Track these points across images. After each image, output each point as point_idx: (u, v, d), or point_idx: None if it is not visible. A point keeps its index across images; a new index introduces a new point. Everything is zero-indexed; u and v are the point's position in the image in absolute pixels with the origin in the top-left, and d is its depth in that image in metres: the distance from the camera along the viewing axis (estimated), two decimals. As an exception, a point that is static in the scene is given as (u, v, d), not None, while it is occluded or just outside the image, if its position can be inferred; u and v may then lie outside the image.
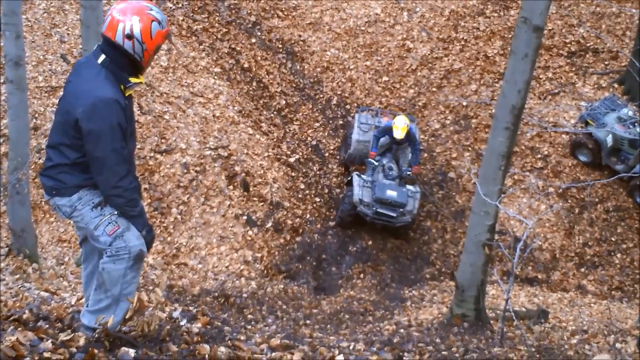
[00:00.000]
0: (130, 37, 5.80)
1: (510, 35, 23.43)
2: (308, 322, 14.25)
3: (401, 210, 19.11)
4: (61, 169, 5.79)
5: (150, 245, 6.19)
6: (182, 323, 6.99)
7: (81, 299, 8.22)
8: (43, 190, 5.97)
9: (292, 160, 21.21)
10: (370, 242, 19.78)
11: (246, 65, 23.52)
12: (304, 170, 21.29)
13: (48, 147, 5.88)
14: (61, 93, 19.00)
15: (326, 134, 22.82)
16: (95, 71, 5.80)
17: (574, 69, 23.54)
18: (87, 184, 5.82)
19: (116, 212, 5.86)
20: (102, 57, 5.84)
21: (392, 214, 19.04)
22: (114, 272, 5.78)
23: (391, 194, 19.06)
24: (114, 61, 5.84)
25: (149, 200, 18.00)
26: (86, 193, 5.83)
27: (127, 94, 5.91)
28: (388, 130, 19.68)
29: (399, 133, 19.34)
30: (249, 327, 11.96)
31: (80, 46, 15.06)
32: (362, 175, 19.66)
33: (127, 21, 5.79)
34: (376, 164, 19.76)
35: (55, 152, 5.81)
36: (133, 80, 5.96)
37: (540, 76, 23.23)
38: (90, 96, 5.63)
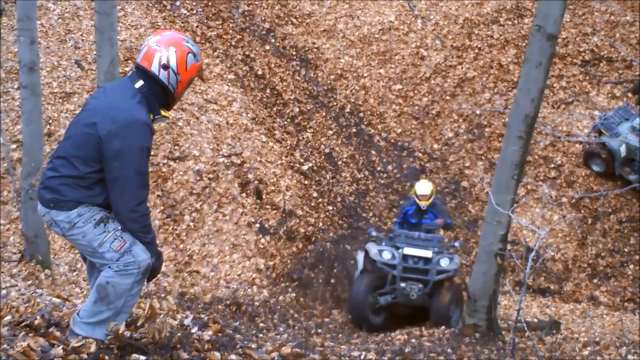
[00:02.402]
0: (166, 67, 5.87)
1: (524, 44, 23.40)
2: (320, 331, 14.26)
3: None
4: (64, 180, 5.69)
5: (159, 271, 6.17)
6: (193, 330, 6.98)
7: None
8: (39, 203, 5.85)
9: (305, 168, 21.19)
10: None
11: (260, 72, 23.54)
12: (317, 178, 21.28)
13: (57, 158, 5.80)
14: (75, 99, 19.04)
15: (339, 141, 22.80)
16: (131, 93, 5.81)
17: (587, 78, 23.53)
18: (87, 201, 5.73)
19: (120, 227, 5.77)
20: (141, 82, 5.87)
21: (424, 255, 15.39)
22: (121, 286, 5.71)
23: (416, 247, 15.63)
24: (150, 90, 5.89)
25: (162, 208, 18.02)
26: (86, 210, 5.72)
27: (154, 125, 5.94)
28: (407, 205, 16.93)
29: (422, 188, 16.36)
30: (261, 335, 11.96)
31: (95, 52, 15.10)
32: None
33: (164, 51, 5.87)
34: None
35: (65, 162, 5.72)
36: (163, 112, 6.02)
37: (554, 85, 23.22)
38: (126, 115, 5.63)
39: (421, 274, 15.26)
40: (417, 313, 15.59)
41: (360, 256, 16.46)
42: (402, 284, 15.21)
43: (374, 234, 16.16)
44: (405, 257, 15.33)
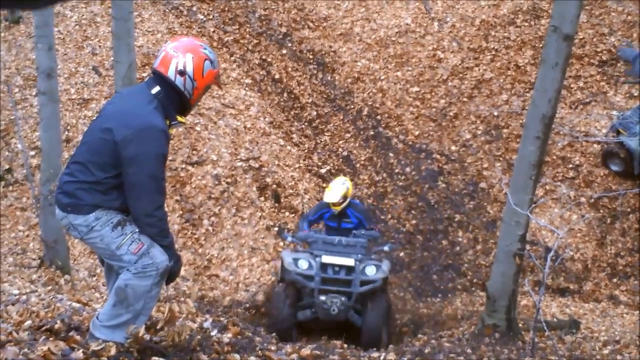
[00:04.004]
0: (182, 73, 5.91)
1: (541, 45, 23.29)
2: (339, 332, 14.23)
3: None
4: (81, 185, 5.74)
5: (178, 274, 6.19)
6: (212, 333, 7.01)
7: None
8: (57, 208, 5.90)
9: (323, 171, 21.20)
10: (401, 254, 19.71)
11: (277, 77, 23.57)
12: (335, 181, 21.27)
13: (74, 163, 5.85)
14: (93, 105, 19.11)
15: (357, 144, 22.79)
16: (147, 99, 5.86)
17: (605, 78, 23.43)
18: (104, 205, 5.78)
19: (137, 230, 5.81)
20: (157, 88, 5.92)
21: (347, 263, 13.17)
22: (139, 289, 5.75)
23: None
24: (166, 95, 5.92)
25: (181, 212, 18.05)
26: (103, 213, 5.77)
27: (170, 131, 5.98)
28: (324, 206, 14.68)
29: (331, 195, 14.24)
30: (280, 337, 11.97)
31: (112, 58, 15.17)
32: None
33: (180, 57, 5.92)
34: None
35: (81, 168, 5.78)
36: (179, 118, 6.05)
37: (572, 85, 23.14)
38: (141, 121, 5.68)
39: (343, 285, 13.11)
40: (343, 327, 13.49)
41: (279, 264, 14.59)
42: (322, 297, 13.03)
43: (289, 239, 14.05)
44: (324, 267, 13.18)
